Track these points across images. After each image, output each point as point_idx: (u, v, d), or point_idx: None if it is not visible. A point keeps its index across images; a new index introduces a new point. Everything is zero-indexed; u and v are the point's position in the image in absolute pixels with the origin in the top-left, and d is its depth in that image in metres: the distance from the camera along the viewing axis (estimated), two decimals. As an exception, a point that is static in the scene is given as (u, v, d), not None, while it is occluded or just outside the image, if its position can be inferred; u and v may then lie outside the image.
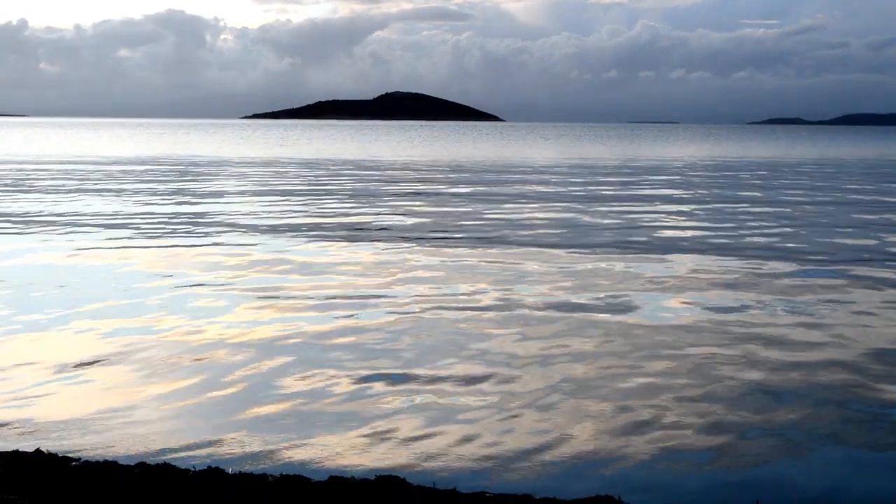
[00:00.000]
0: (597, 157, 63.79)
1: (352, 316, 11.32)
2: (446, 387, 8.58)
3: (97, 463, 6.51)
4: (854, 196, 31.48)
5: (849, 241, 18.46)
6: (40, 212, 23.13)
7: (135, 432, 7.41)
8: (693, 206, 25.08)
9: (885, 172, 49.68)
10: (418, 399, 8.24)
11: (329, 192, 29.95)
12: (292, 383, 8.75)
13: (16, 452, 6.67)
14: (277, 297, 12.50)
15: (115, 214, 22.88)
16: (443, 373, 9.01)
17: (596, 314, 11.12)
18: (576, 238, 17.92)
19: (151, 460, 6.61)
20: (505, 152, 73.32)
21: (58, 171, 41.60)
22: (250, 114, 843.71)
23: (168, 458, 6.76)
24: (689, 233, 19.13)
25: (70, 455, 6.64)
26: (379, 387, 8.60)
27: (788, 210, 24.49)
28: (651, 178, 39.61)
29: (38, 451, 6.67)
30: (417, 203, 25.08)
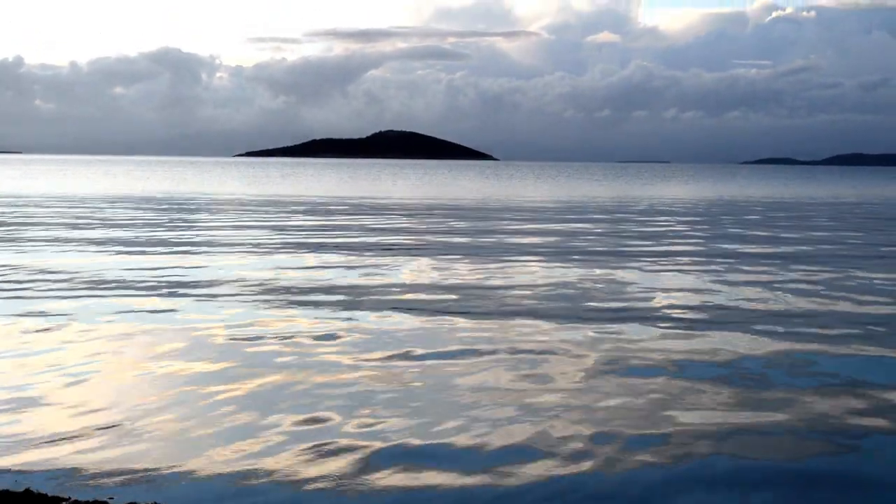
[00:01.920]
0: (588, 199, 63.74)
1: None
2: (423, 445, 8.72)
3: (87, 503, 6.57)
4: (854, 242, 31.31)
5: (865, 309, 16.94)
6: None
7: (125, 475, 7.54)
8: (688, 263, 23.09)
9: (888, 216, 49.53)
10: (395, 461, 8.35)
11: (303, 245, 29.59)
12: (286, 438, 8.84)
13: (6, 492, 6.73)
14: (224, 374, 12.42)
15: (82, 271, 22.62)
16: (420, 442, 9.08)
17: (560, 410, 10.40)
18: (558, 307, 16.05)
19: (141, 500, 6.68)
20: (493, 193, 73.33)
21: (48, 213, 41.53)
22: (244, 151, 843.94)
23: (156, 498, 6.83)
24: (683, 299, 17.09)
25: (60, 496, 6.71)
26: (355, 451, 8.70)
27: (792, 268, 22.21)
28: (644, 228, 39.26)
29: (27, 490, 6.74)
30: (394, 259, 23.33)
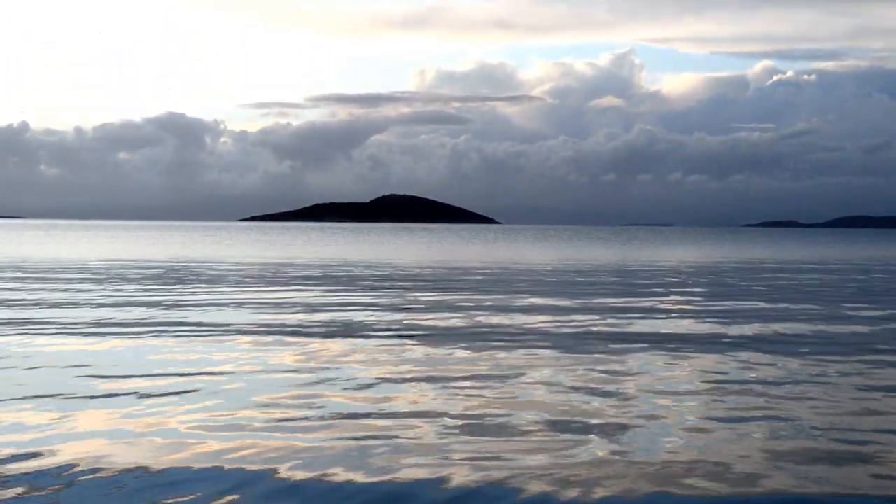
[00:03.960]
0: (590, 267, 61.79)
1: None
2: None
3: None
4: (870, 316, 29.25)
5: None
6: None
7: None
8: (703, 350, 20.49)
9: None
10: None
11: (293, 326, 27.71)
12: None
13: None
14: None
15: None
16: None
17: None
18: (557, 415, 13.56)
19: None
20: (493, 260, 71.49)
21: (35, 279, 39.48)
22: (248, 216, 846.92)
23: None
24: (704, 406, 14.67)
25: None
26: None
27: (808, 359, 19.86)
28: (649, 299, 37.17)
29: None
30: (385, 348, 21.63)
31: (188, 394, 14.61)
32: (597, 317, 27.15)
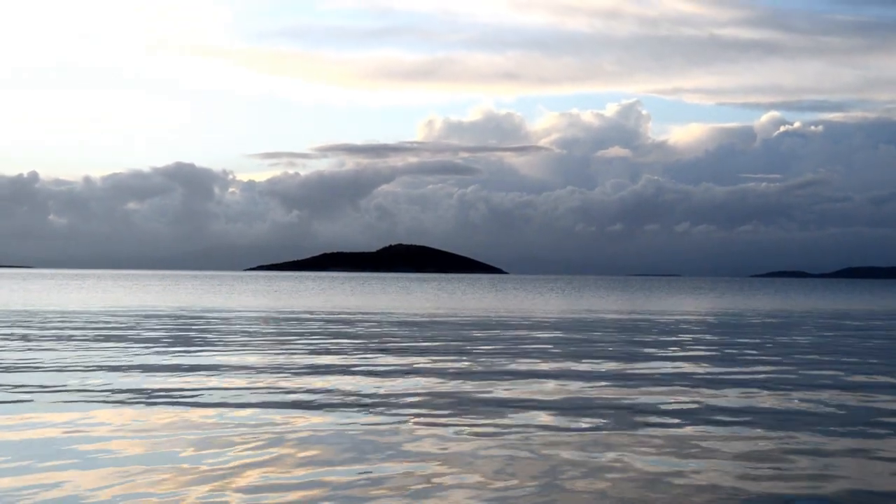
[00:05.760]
0: (595, 320, 60.09)
1: None
2: None
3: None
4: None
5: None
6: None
7: None
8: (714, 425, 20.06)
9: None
10: None
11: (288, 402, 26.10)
12: None
13: None
14: None
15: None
16: None
17: None
18: None
19: None
20: (493, 314, 69.81)
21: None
22: (255, 265, 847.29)
23: None
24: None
25: None
26: None
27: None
28: (660, 369, 35.51)
29: None
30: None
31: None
32: (600, 383, 25.50)
